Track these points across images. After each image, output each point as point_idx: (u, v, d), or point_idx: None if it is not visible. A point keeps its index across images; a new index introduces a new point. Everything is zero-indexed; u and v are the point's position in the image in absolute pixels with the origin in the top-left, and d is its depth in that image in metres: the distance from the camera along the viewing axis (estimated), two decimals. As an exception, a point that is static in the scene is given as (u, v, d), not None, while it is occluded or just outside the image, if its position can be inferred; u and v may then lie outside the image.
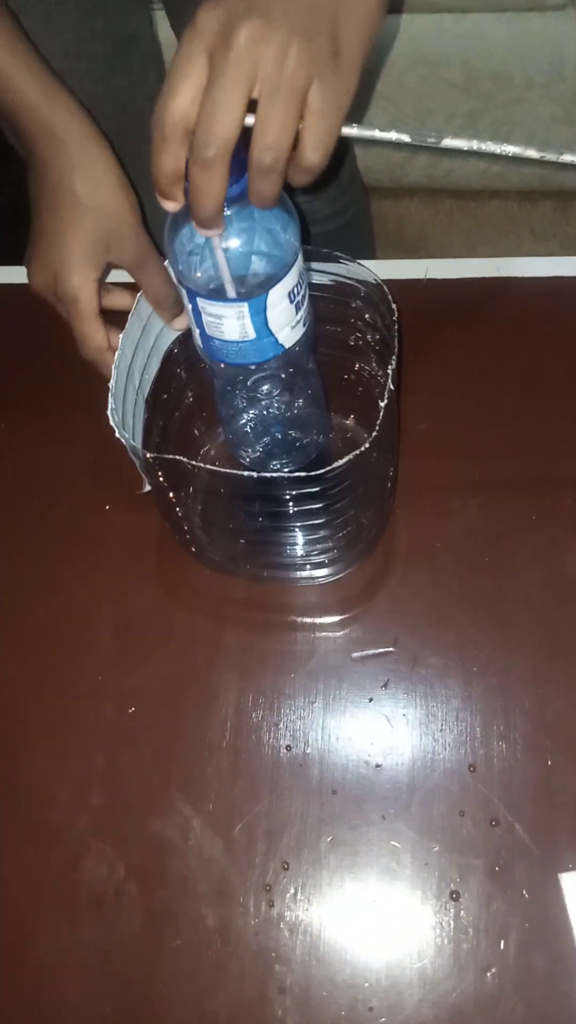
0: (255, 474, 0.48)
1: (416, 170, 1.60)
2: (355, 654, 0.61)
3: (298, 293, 0.51)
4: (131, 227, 0.61)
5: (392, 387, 0.53)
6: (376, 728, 0.58)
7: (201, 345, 0.53)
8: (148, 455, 0.51)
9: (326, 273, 0.60)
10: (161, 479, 0.54)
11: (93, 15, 0.76)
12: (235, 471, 0.50)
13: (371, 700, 0.59)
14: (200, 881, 0.55)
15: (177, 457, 0.49)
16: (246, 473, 0.48)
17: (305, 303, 0.53)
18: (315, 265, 0.59)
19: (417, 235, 1.65)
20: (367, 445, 0.51)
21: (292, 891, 0.54)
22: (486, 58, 1.41)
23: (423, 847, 0.55)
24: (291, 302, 0.50)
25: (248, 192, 0.43)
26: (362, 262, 0.57)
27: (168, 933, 0.54)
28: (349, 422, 0.69)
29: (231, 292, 0.48)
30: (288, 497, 0.54)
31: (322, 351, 0.64)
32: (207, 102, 0.41)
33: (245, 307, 0.48)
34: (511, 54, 1.39)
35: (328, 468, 0.50)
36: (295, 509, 0.56)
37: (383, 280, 0.56)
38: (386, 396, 0.52)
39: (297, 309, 0.51)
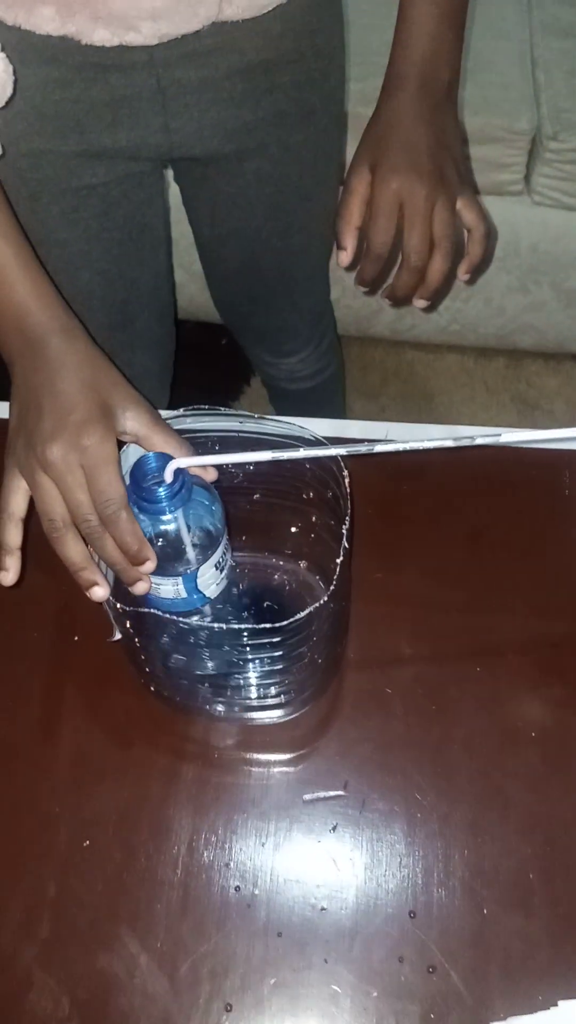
0: (223, 626, 0.53)
1: (382, 323, 1.72)
2: (306, 796, 0.64)
3: (223, 560, 0.60)
4: (125, 398, 0.60)
5: (347, 545, 0.58)
6: (323, 871, 0.61)
7: None
8: (119, 606, 0.55)
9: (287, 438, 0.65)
10: (129, 627, 0.58)
11: (114, 208, 0.85)
12: (201, 623, 0.54)
13: (319, 842, 0.62)
14: (143, 1020, 0.56)
15: (149, 610, 0.53)
16: (215, 625, 0.52)
17: (227, 563, 0.61)
18: (275, 429, 0.63)
19: (380, 381, 1.75)
20: (325, 598, 0.56)
21: (233, 1034, 0.55)
22: (449, 231, 1.54)
23: (362, 992, 0.57)
24: (217, 568, 0.59)
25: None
26: (323, 424, 0.63)
27: (108, 1074, 0.54)
28: (302, 566, 0.73)
29: (179, 569, 0.58)
30: (248, 645, 0.58)
31: (275, 500, 0.70)
32: (412, 231, 0.69)
33: (179, 579, 0.58)
34: (472, 229, 1.53)
35: (289, 621, 0.55)
36: (253, 656, 0.60)
37: (342, 438, 0.62)
38: (341, 553, 0.57)
39: (221, 571, 0.60)
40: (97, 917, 0.59)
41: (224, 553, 0.60)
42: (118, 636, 0.59)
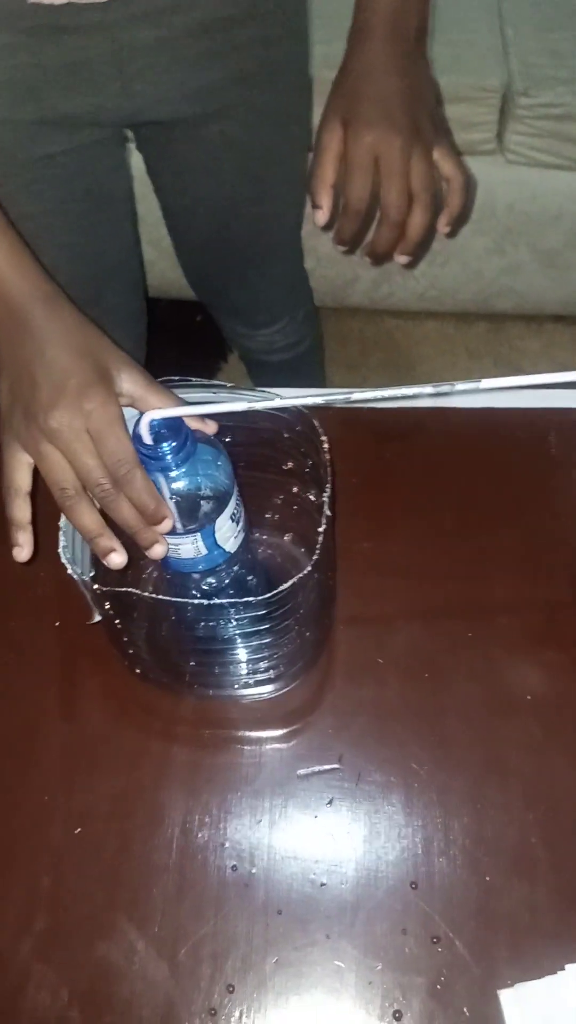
0: (204, 601, 0.51)
1: (358, 292, 1.70)
2: (301, 771, 0.63)
3: (237, 512, 0.58)
4: (118, 360, 0.58)
5: (329, 513, 0.56)
6: (321, 846, 0.60)
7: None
8: (97, 587, 0.53)
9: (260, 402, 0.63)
10: (108, 608, 0.56)
11: (76, 178, 0.82)
12: (183, 599, 0.52)
13: (316, 817, 0.61)
14: (145, 1006, 0.55)
15: (128, 590, 0.52)
16: (195, 601, 0.51)
17: (242, 516, 0.60)
18: (249, 396, 0.62)
19: (359, 352, 1.73)
20: (309, 568, 0.54)
21: (238, 1014, 0.54)
22: (422, 195, 1.51)
23: (367, 966, 0.56)
24: (232, 521, 0.58)
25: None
26: (296, 393, 0.61)
27: (111, 1063, 0.53)
28: (286, 540, 0.72)
29: (179, 528, 0.56)
30: (233, 620, 0.57)
31: (256, 474, 0.68)
32: (390, 185, 0.67)
33: (198, 535, 0.56)
34: (445, 192, 1.51)
35: (273, 593, 0.53)
36: (240, 630, 0.59)
37: (320, 407, 0.60)
38: (323, 522, 0.55)
39: (237, 523, 0.59)
40: (93, 906, 0.58)
41: (237, 505, 0.59)
42: (98, 618, 0.57)
